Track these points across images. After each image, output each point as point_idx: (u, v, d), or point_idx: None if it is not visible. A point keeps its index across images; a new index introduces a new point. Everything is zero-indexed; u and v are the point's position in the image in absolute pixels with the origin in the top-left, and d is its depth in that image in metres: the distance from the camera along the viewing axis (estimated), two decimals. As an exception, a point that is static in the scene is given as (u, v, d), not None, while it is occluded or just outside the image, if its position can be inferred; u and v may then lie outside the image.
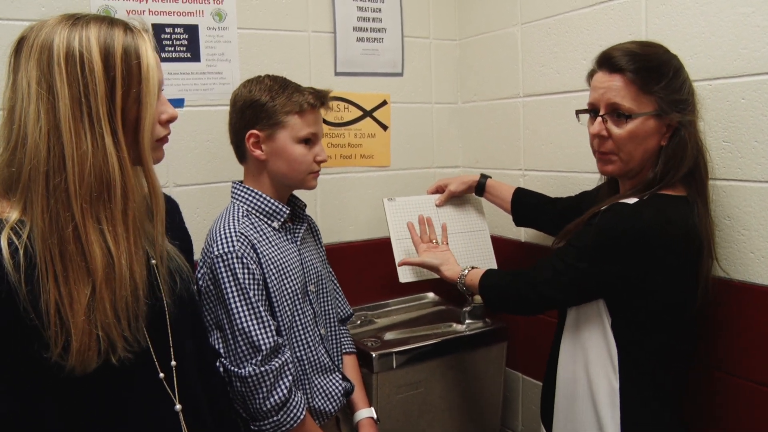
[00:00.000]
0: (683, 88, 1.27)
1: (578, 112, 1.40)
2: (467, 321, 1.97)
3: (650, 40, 1.37)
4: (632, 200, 1.27)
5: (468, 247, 1.93)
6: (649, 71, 1.26)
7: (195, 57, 1.83)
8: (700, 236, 1.26)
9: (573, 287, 1.30)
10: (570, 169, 1.89)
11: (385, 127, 2.19)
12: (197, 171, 1.85)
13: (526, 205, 1.82)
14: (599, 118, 1.30)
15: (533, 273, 1.37)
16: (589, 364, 1.31)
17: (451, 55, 2.32)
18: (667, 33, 1.54)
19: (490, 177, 1.91)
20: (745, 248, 1.42)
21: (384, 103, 2.17)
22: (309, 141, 1.45)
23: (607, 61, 1.30)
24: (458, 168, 2.36)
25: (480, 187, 1.90)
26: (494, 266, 1.92)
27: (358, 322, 2.03)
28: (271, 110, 1.40)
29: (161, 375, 0.95)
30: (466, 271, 1.57)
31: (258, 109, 1.40)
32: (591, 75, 1.36)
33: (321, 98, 1.46)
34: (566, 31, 1.85)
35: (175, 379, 0.97)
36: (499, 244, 2.12)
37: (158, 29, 1.76)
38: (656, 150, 1.29)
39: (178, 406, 0.97)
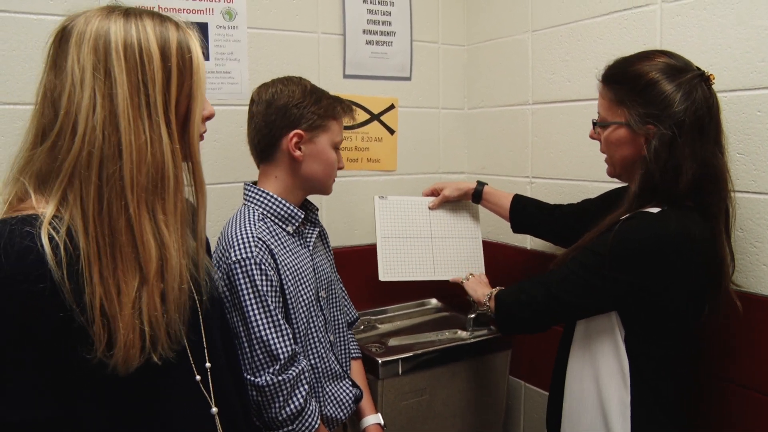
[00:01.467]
0: (658, 101, 1.24)
1: None
2: (471, 328, 1.95)
3: (656, 49, 1.35)
4: (655, 210, 1.26)
5: (457, 253, 1.94)
6: (620, 83, 1.31)
7: (204, 55, 1.79)
8: (720, 252, 1.26)
9: (588, 291, 1.27)
10: (578, 177, 1.89)
11: (392, 131, 2.17)
12: (205, 171, 1.80)
13: (525, 212, 1.81)
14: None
15: (547, 276, 1.35)
16: (600, 377, 1.30)
17: (459, 60, 2.31)
18: (682, 44, 1.54)
19: (487, 184, 1.91)
20: (757, 260, 1.42)
21: (392, 107, 2.16)
22: (337, 148, 1.47)
23: (603, 70, 1.36)
24: (464, 174, 2.36)
25: (477, 195, 1.90)
26: (482, 272, 1.92)
27: (362, 327, 2.01)
28: (317, 112, 1.40)
29: (198, 377, 0.93)
30: (495, 290, 1.56)
31: (304, 109, 1.39)
32: None
33: (350, 108, 1.50)
34: (578, 40, 1.85)
35: (210, 380, 0.95)
36: (505, 251, 2.12)
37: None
38: (637, 159, 1.29)
39: (214, 409, 0.95)
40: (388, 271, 1.83)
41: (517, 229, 1.85)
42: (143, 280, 0.81)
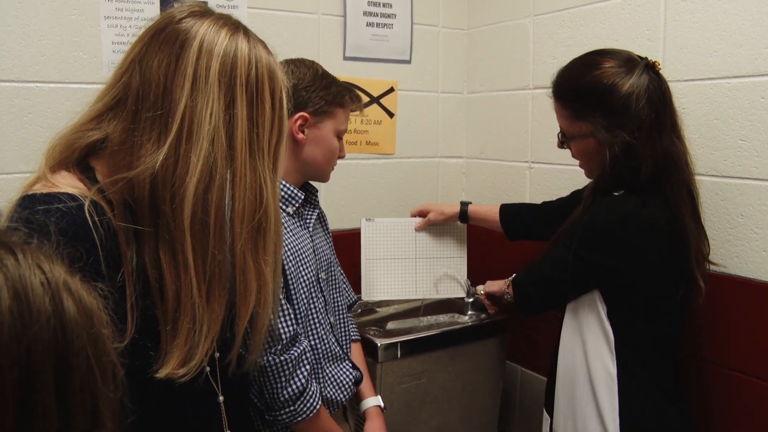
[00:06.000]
0: (617, 108, 1.27)
1: None
2: (469, 312, 1.96)
3: (595, 51, 1.36)
4: (619, 193, 1.31)
5: (440, 273, 1.98)
6: (577, 100, 1.33)
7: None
8: (683, 230, 1.29)
9: (571, 271, 1.33)
10: (577, 163, 1.88)
11: (391, 115, 2.16)
12: (202, 152, 1.80)
13: (517, 216, 1.82)
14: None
15: (538, 260, 1.43)
16: (588, 352, 1.34)
17: (459, 44, 2.30)
18: (686, 30, 1.54)
19: (471, 203, 1.92)
20: (757, 246, 1.43)
21: (391, 90, 2.15)
22: (340, 137, 1.46)
23: (552, 86, 1.39)
24: (462, 158, 2.35)
25: (463, 215, 1.91)
26: (463, 293, 1.98)
27: (360, 310, 2.01)
28: (325, 98, 1.39)
29: (207, 368, 0.93)
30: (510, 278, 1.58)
31: (312, 93, 1.38)
32: None
33: (359, 98, 1.49)
34: (581, 24, 1.84)
35: (218, 370, 0.95)
36: (489, 231, 2.11)
37: (165, 4, 1.71)
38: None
39: (220, 398, 0.95)
40: (370, 292, 1.93)
41: (512, 236, 1.84)
42: (236, 312, 0.85)
